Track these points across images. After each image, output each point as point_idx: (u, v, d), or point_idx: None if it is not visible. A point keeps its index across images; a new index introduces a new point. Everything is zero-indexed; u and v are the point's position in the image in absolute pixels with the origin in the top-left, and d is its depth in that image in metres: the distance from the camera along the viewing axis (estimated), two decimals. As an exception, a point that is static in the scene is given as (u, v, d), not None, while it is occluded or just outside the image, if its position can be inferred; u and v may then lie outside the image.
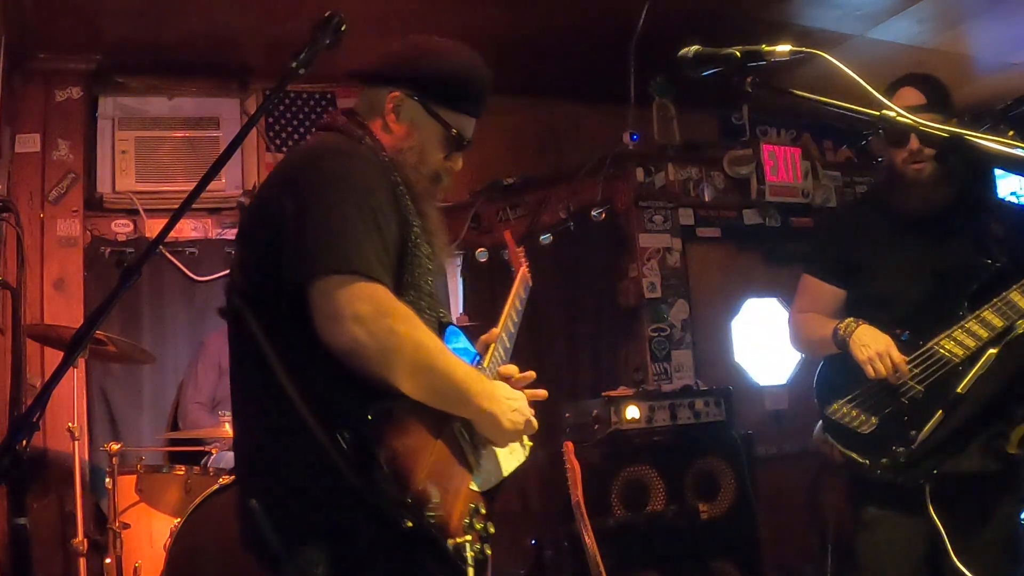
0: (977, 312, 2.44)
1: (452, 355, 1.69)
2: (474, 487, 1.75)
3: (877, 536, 2.53)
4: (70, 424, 3.49)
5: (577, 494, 3.30)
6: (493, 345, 2.03)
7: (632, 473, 3.88)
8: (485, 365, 1.94)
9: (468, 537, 1.64)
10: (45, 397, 1.19)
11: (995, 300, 2.42)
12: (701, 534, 3.91)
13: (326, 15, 1.63)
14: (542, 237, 4.90)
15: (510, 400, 1.80)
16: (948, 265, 2.53)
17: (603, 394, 4.08)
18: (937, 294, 2.52)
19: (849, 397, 2.53)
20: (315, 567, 1.56)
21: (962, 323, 2.44)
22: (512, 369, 1.96)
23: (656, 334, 4.73)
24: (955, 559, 2.37)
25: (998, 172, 5.65)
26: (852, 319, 2.55)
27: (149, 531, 3.62)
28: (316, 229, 1.59)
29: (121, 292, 1.30)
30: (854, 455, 2.49)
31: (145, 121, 4.73)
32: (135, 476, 3.70)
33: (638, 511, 3.86)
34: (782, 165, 5.18)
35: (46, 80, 4.44)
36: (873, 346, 2.46)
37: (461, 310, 5.16)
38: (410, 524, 1.53)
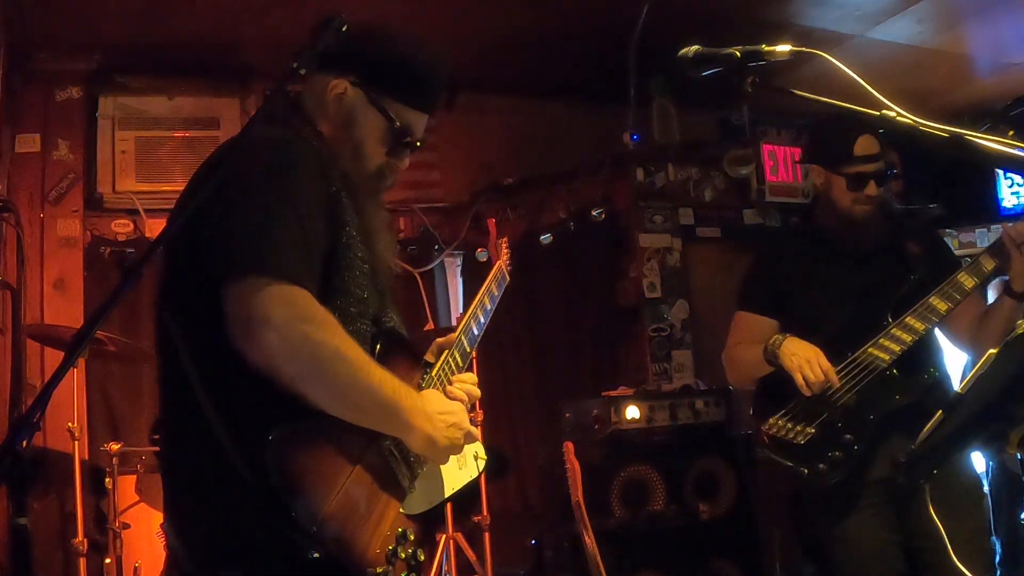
0: (900, 319, 2.53)
1: (377, 368, 1.54)
2: (404, 511, 1.63)
3: (854, 548, 2.55)
4: (70, 424, 3.49)
5: (577, 494, 3.30)
6: (446, 352, 1.89)
7: (632, 473, 3.89)
8: (432, 375, 1.81)
9: (389, 567, 1.53)
10: (45, 397, 1.18)
11: (916, 306, 2.53)
12: (701, 534, 3.92)
13: (327, 17, 1.61)
14: (542, 237, 4.90)
15: (444, 415, 1.66)
16: (872, 283, 2.63)
17: (603, 394, 4.08)
18: (863, 311, 2.61)
19: (783, 411, 2.60)
20: None
21: (887, 330, 2.54)
22: (464, 386, 1.83)
23: (656, 334, 4.73)
24: (955, 559, 2.38)
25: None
26: (780, 334, 2.61)
27: (149, 531, 3.62)
28: (235, 228, 1.46)
29: (122, 293, 1.30)
30: (793, 465, 2.55)
31: (145, 121, 4.73)
32: (135, 476, 3.70)
33: (638, 511, 3.86)
34: (782, 165, 5.18)
35: (46, 80, 4.43)
36: (802, 353, 2.52)
37: (461, 310, 5.16)
38: (316, 556, 1.41)
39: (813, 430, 2.54)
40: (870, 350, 2.53)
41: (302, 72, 1.52)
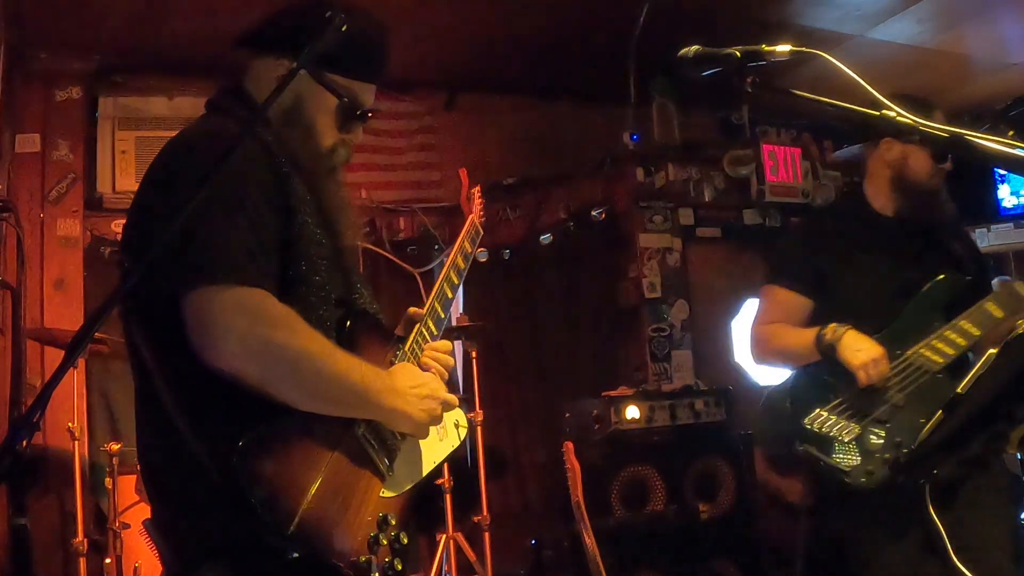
0: (954, 321, 2.46)
1: (343, 356, 1.52)
2: (385, 493, 1.61)
3: (871, 550, 2.50)
4: (70, 424, 3.49)
5: (577, 494, 3.30)
6: (419, 324, 1.85)
7: (632, 473, 3.89)
8: (405, 349, 1.77)
9: (371, 555, 1.52)
10: (45, 397, 1.18)
11: (971, 310, 2.46)
12: (701, 534, 3.92)
13: (327, 15, 1.60)
14: (542, 237, 4.91)
15: (416, 388, 1.63)
16: (919, 279, 2.54)
17: (603, 394, 4.09)
18: (908, 306, 2.53)
19: (830, 406, 2.48)
20: None
21: (940, 332, 2.46)
22: (436, 355, 1.80)
23: (656, 334, 4.73)
24: (955, 559, 2.37)
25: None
26: (837, 324, 2.49)
27: (149, 531, 3.62)
28: (183, 234, 1.41)
29: (122, 292, 1.30)
30: (836, 464, 2.43)
31: (145, 121, 4.72)
32: (135, 476, 3.70)
33: (638, 511, 3.86)
34: (782, 165, 5.18)
35: (46, 80, 4.43)
36: (868, 351, 2.42)
37: (461, 310, 5.16)
38: (296, 556, 1.40)
39: (859, 429, 2.43)
40: (923, 351, 2.46)
41: (301, 72, 1.51)
